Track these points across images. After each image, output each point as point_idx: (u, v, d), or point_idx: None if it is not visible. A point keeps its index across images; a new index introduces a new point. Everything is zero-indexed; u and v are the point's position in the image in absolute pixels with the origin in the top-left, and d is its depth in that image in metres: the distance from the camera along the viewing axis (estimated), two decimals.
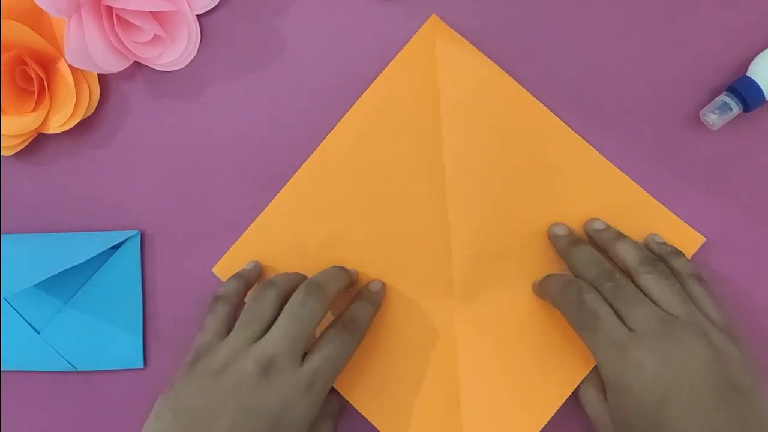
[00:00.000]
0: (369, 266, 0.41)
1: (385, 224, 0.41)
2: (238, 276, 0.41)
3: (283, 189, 0.42)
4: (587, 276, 0.37)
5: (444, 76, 0.39)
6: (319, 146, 0.42)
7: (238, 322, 0.37)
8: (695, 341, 0.33)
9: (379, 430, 0.40)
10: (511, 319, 0.40)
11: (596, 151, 0.40)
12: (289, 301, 0.37)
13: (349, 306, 0.39)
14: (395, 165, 0.41)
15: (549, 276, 0.39)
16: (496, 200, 0.39)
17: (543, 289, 0.39)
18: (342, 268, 0.40)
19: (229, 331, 0.37)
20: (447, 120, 0.39)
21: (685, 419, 0.32)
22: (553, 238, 0.40)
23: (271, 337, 0.35)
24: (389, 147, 0.40)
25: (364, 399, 0.41)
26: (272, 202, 0.42)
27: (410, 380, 0.40)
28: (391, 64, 0.41)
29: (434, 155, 0.40)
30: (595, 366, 0.37)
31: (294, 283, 0.39)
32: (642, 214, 0.40)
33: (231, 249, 0.43)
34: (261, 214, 0.42)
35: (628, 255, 0.37)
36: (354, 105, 0.41)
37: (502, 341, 0.40)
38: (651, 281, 0.36)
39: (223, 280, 0.42)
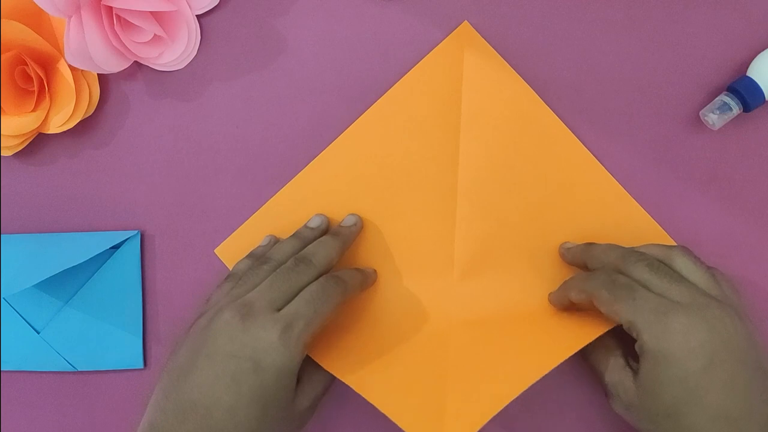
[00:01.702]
0: (373, 256, 0.41)
1: (394, 221, 0.41)
2: (251, 255, 0.41)
3: (294, 178, 0.42)
4: (613, 262, 0.37)
5: (468, 83, 0.40)
6: (338, 138, 0.42)
7: (226, 282, 0.38)
8: (737, 320, 0.33)
9: (366, 398, 0.40)
10: (507, 302, 0.41)
11: (609, 174, 0.40)
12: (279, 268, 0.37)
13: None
14: (410, 163, 0.41)
15: (570, 278, 0.39)
16: (504, 209, 0.40)
17: (566, 288, 0.38)
18: (335, 235, 0.40)
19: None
20: (466, 126, 0.40)
21: (724, 391, 0.32)
22: (564, 252, 0.40)
23: (254, 290, 0.36)
24: (406, 146, 0.41)
25: (350, 369, 0.40)
26: (282, 189, 0.42)
27: (399, 353, 0.40)
28: (419, 64, 0.41)
29: (449, 158, 0.40)
30: (613, 333, 0.36)
31: (289, 256, 0.39)
32: (644, 239, 0.39)
33: (236, 231, 0.43)
34: (269, 200, 0.43)
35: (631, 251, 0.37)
36: (377, 101, 0.41)
37: (496, 322, 0.40)
38: (683, 263, 0.36)
39: (225, 261, 0.43)
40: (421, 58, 0.42)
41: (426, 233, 0.41)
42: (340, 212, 0.42)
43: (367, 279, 0.41)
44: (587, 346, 0.35)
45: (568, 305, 0.39)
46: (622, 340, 0.37)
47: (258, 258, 0.40)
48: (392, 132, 0.41)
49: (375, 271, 0.42)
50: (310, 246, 0.39)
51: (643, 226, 0.40)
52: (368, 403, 0.39)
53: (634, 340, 0.34)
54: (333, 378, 0.37)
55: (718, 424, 0.32)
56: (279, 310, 0.35)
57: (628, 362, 0.36)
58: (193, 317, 0.38)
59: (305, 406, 0.36)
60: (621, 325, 0.35)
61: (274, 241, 0.42)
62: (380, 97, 0.41)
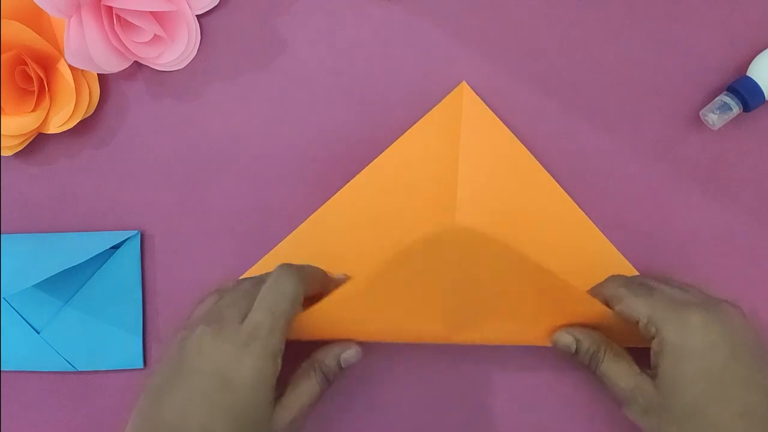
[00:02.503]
0: (368, 309, 0.40)
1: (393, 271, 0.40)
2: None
3: (290, 234, 0.42)
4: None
5: (466, 143, 0.40)
6: (336, 194, 0.42)
7: (210, 296, 0.37)
8: (746, 319, 0.34)
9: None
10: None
11: (600, 232, 0.40)
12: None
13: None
14: (406, 221, 0.41)
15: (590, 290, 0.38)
16: (496, 264, 0.39)
17: (598, 287, 0.38)
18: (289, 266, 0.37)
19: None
20: (463, 184, 0.40)
21: (745, 387, 0.32)
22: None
23: (223, 300, 0.35)
24: (403, 203, 0.41)
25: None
26: (277, 246, 0.42)
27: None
28: (418, 123, 0.42)
29: (446, 216, 0.40)
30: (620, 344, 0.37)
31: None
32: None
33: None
34: (265, 256, 0.42)
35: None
36: (375, 159, 0.42)
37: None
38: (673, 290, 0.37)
39: None
40: (421, 58, 0.42)
41: (420, 290, 0.40)
42: (335, 269, 0.41)
43: (330, 279, 0.39)
44: (594, 358, 0.36)
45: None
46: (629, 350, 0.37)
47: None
48: (390, 189, 0.41)
49: (346, 276, 0.40)
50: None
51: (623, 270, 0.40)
52: (368, 404, 0.39)
53: (645, 350, 0.34)
54: (321, 388, 0.36)
55: (742, 421, 0.32)
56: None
57: (641, 368, 0.36)
58: (174, 334, 0.36)
59: (287, 420, 0.34)
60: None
61: None
62: (378, 156, 0.41)
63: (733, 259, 0.41)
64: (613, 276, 0.37)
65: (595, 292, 0.37)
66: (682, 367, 0.33)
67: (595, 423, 0.42)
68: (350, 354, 0.37)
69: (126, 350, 0.44)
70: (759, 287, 0.41)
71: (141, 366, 0.44)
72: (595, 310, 0.36)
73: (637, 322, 0.34)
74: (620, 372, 0.35)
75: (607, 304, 0.36)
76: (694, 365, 0.32)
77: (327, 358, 0.37)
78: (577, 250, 0.40)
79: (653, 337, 0.34)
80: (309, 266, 0.37)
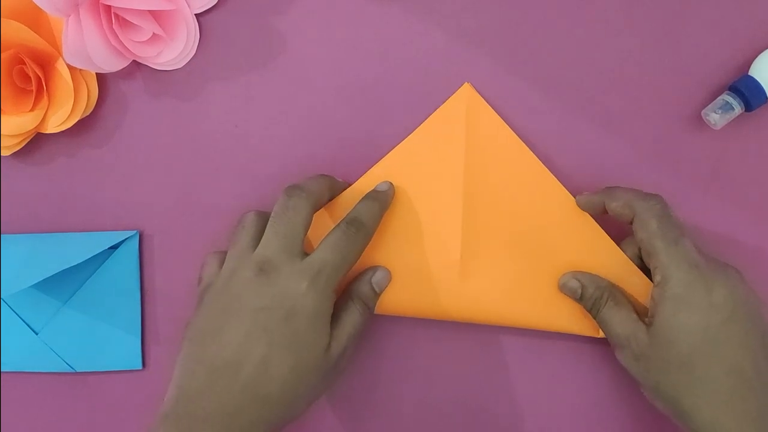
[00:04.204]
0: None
1: (398, 277, 0.41)
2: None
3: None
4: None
5: (470, 144, 0.41)
6: (341, 194, 0.41)
7: (228, 251, 0.38)
8: (748, 286, 0.36)
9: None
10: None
11: (604, 232, 0.40)
12: (273, 209, 0.37)
13: (354, 206, 0.39)
14: (413, 218, 0.41)
15: (616, 187, 0.38)
16: (504, 266, 0.41)
17: (610, 195, 0.38)
18: (321, 174, 0.40)
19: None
20: (467, 185, 0.40)
21: (740, 347, 0.33)
22: (583, 201, 0.39)
23: (262, 242, 0.36)
24: (409, 204, 0.41)
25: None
26: None
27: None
28: (422, 125, 0.41)
29: (452, 218, 0.40)
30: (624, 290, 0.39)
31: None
32: (627, 286, 0.40)
33: None
34: None
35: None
36: (382, 159, 0.41)
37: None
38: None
39: None
40: (421, 58, 0.42)
41: (428, 290, 0.41)
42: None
43: (384, 200, 0.40)
44: (596, 304, 0.38)
45: (599, 211, 0.39)
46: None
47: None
48: (395, 190, 0.41)
49: (391, 185, 0.41)
50: (355, 208, 0.38)
51: (622, 267, 0.40)
52: (368, 404, 0.39)
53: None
54: (362, 316, 0.38)
55: (731, 379, 0.33)
56: (298, 254, 0.35)
57: (639, 317, 0.37)
58: (203, 283, 0.38)
59: (341, 349, 0.36)
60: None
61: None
62: (382, 158, 0.41)
63: (735, 258, 0.41)
64: (648, 197, 0.37)
65: (625, 203, 0.37)
66: (680, 318, 0.34)
67: (594, 425, 0.42)
68: (380, 275, 0.39)
69: (124, 351, 0.44)
70: (760, 287, 0.41)
71: (139, 367, 0.44)
72: (606, 254, 0.39)
73: (642, 256, 0.37)
74: (619, 318, 0.37)
75: (631, 216, 0.36)
76: (692, 319, 0.34)
77: (361, 285, 0.39)
78: (580, 250, 0.40)
79: (656, 285, 0.35)
80: (371, 214, 0.38)
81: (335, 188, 0.40)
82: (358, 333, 0.37)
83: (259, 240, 0.37)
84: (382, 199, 0.39)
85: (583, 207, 0.40)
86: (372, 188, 0.40)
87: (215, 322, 0.35)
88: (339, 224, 0.37)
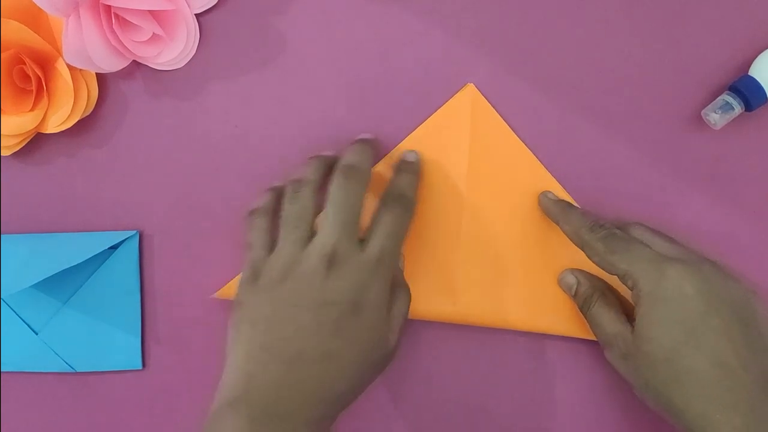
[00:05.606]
0: None
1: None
2: (271, 189, 0.41)
3: None
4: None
5: (474, 145, 0.41)
6: None
7: (283, 229, 0.37)
8: (729, 278, 0.35)
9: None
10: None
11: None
12: (329, 192, 0.36)
13: (392, 181, 0.39)
14: (415, 219, 0.41)
15: (571, 208, 0.39)
16: (503, 267, 0.41)
17: (565, 216, 0.39)
18: (364, 141, 0.40)
19: (273, 241, 0.37)
20: (471, 185, 0.41)
21: (722, 338, 0.33)
22: (544, 201, 0.40)
23: (323, 230, 0.35)
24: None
25: None
26: None
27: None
28: (423, 124, 0.42)
29: (454, 217, 0.41)
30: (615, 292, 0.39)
31: (321, 173, 0.38)
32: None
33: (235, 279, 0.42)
34: None
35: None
36: (383, 158, 0.42)
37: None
38: (641, 233, 0.38)
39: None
40: (421, 58, 0.42)
41: (428, 290, 0.41)
42: None
43: (417, 170, 0.40)
44: (587, 302, 0.38)
45: (551, 219, 0.40)
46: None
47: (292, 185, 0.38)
48: None
49: (417, 152, 0.41)
50: (396, 184, 0.38)
51: None
52: (367, 404, 0.39)
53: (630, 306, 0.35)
54: (408, 305, 0.38)
55: (716, 371, 0.32)
56: (358, 241, 0.35)
57: (627, 319, 0.37)
58: (247, 264, 0.37)
59: (395, 343, 0.36)
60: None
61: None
62: (384, 156, 0.41)
63: (735, 258, 0.40)
64: (594, 227, 0.37)
65: (575, 233, 0.38)
66: (655, 312, 0.34)
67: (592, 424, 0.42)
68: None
69: (124, 351, 0.44)
70: (761, 287, 0.41)
71: (139, 367, 0.44)
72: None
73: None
74: (607, 318, 0.37)
75: (582, 246, 0.37)
76: (667, 312, 0.34)
77: (398, 273, 0.39)
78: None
79: (632, 291, 0.35)
80: (409, 187, 0.39)
81: (378, 150, 0.41)
82: (406, 319, 0.38)
83: (312, 215, 0.37)
84: (416, 170, 0.40)
85: (540, 207, 0.41)
86: (372, 188, 0.40)
87: (282, 312, 0.34)
88: (386, 204, 0.37)
